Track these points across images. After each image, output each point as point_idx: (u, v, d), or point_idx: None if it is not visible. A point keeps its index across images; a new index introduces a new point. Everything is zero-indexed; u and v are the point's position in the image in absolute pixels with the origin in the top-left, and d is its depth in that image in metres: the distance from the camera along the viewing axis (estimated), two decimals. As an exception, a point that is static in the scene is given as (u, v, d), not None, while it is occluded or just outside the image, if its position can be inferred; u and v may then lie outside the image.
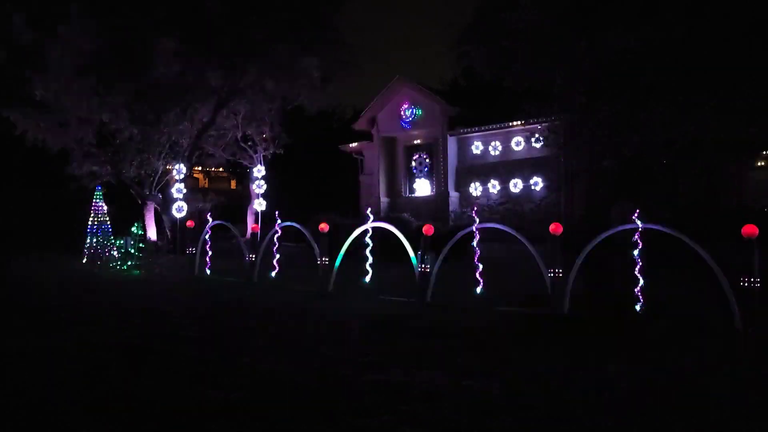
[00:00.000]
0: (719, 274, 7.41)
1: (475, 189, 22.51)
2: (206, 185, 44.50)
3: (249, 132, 22.61)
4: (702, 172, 15.67)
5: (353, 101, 66.33)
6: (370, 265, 11.13)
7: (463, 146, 23.39)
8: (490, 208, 22.10)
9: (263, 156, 22.83)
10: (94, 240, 16.97)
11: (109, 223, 17.42)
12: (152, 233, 19.52)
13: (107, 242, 17.17)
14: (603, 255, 9.25)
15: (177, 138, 20.65)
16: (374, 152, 24.90)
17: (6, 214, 25.53)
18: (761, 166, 19.44)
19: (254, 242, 13.17)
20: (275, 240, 12.80)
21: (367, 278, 11.15)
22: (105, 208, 17.47)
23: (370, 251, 11.07)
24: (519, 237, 9.29)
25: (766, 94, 13.26)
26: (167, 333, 7.52)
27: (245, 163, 24.05)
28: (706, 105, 13.66)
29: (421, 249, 9.91)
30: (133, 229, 15.98)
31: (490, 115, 22.09)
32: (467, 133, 22.94)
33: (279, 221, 12.68)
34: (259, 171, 20.71)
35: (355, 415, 4.39)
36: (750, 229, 7.21)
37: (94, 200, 17.28)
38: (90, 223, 17.15)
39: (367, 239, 11.06)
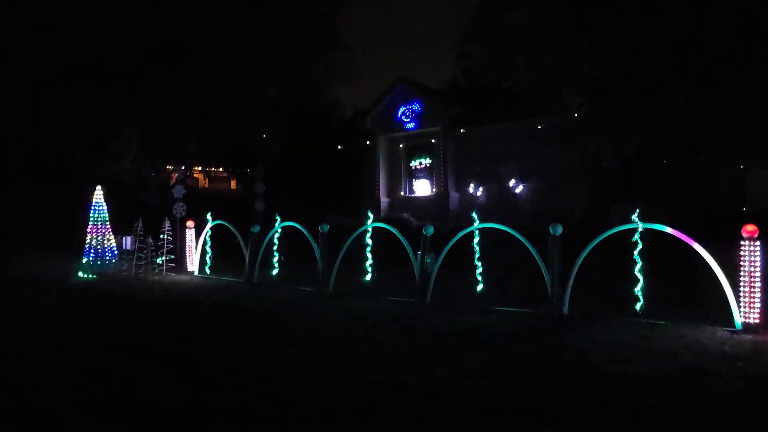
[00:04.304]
0: (719, 273, 7.41)
1: (475, 189, 22.50)
2: (206, 185, 44.50)
3: (249, 132, 22.62)
4: (702, 172, 15.67)
5: (353, 101, 66.45)
6: (370, 265, 11.13)
7: (463, 146, 23.36)
8: (489, 208, 22.09)
9: (263, 156, 22.83)
10: (94, 240, 16.95)
11: (108, 223, 17.40)
12: (152, 233, 19.51)
13: (107, 242, 17.15)
14: (602, 255, 9.25)
15: (177, 139, 20.68)
16: (374, 152, 24.89)
17: (6, 214, 25.52)
18: (761, 166, 19.43)
19: (254, 242, 13.15)
20: (276, 240, 12.80)
21: (367, 278, 11.15)
22: (105, 208, 17.44)
23: (370, 251, 11.07)
24: (519, 237, 9.28)
25: (765, 94, 13.26)
26: (168, 333, 7.51)
27: (245, 163, 24.08)
28: (706, 105, 13.68)
29: (421, 249, 9.92)
30: (134, 229, 15.95)
31: (490, 115, 22.06)
32: (467, 133, 22.92)
33: (279, 221, 12.68)
34: (259, 171, 20.71)
35: (355, 415, 4.39)
36: (750, 229, 7.22)
37: (94, 200, 17.26)
38: (90, 223, 17.13)
39: (367, 239, 11.06)
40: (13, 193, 27.33)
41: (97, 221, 17.14)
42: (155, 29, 17.77)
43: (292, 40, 20.17)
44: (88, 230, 17.20)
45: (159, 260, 15.25)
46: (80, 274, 15.61)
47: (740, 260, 7.27)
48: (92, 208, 17.39)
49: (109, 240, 17.35)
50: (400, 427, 4.14)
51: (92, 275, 14.96)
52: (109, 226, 17.49)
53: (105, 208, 17.49)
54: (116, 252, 17.35)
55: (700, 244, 7.66)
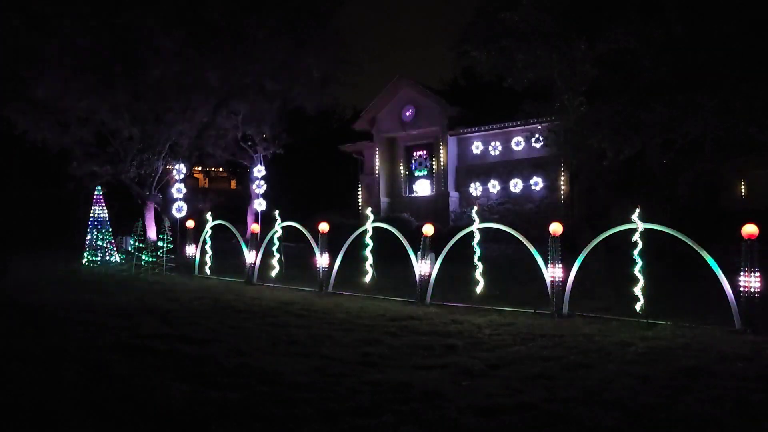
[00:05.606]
0: (719, 274, 7.41)
1: (475, 189, 22.50)
2: (206, 185, 44.54)
3: (249, 132, 22.62)
4: (702, 172, 15.66)
5: (353, 101, 66.43)
6: (370, 265, 11.14)
7: (463, 146, 23.38)
8: (490, 208, 22.09)
9: (263, 156, 22.83)
10: (94, 240, 16.96)
11: (109, 223, 17.43)
12: (152, 233, 19.52)
13: (107, 242, 17.17)
14: (602, 255, 9.26)
15: (177, 138, 20.65)
16: (374, 152, 24.89)
17: (6, 214, 25.52)
18: (761, 166, 19.43)
19: (254, 242, 13.17)
20: (275, 240, 12.80)
21: (367, 278, 11.16)
22: (105, 207, 17.46)
23: (370, 251, 11.07)
24: (519, 237, 9.29)
25: (765, 94, 13.25)
26: (167, 333, 7.51)
27: (245, 163, 24.07)
28: (706, 105, 13.67)
29: (421, 249, 9.92)
30: (133, 229, 15.97)
31: (490, 115, 22.08)
32: (467, 133, 22.93)
33: (279, 221, 12.69)
34: (259, 171, 20.71)
35: (355, 415, 4.39)
36: (750, 229, 7.22)
37: (94, 200, 17.28)
38: (90, 222, 17.16)
39: (367, 239, 11.07)
40: (14, 193, 27.34)
41: (97, 221, 17.16)
42: (156, 27, 17.75)
43: (292, 40, 20.14)
44: (88, 229, 17.22)
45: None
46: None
47: (740, 260, 7.27)
48: (92, 207, 17.41)
49: (108, 239, 17.35)
50: (400, 427, 4.14)
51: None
52: (109, 226, 17.50)
53: (105, 207, 17.50)
54: (116, 251, 17.36)
55: (699, 244, 7.66)
